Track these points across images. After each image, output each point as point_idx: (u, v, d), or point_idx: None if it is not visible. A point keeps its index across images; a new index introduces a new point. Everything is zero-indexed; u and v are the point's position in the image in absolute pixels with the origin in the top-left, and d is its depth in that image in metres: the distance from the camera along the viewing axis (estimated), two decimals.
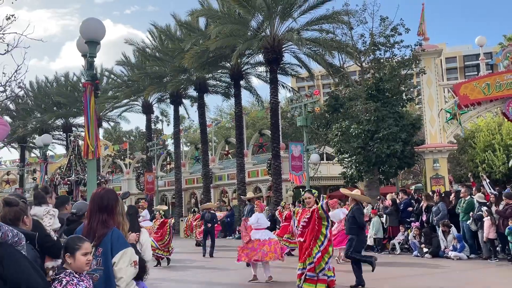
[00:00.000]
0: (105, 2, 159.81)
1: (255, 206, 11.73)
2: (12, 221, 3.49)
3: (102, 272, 3.64)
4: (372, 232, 16.41)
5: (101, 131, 46.99)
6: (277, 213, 18.20)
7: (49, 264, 3.57)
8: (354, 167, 21.53)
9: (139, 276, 4.54)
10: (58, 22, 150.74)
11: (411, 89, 25.63)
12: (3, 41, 11.90)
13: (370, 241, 16.57)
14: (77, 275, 3.36)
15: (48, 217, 4.45)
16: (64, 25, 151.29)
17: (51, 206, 4.99)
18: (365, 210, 18.44)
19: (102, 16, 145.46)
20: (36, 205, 4.84)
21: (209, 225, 17.30)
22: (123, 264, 3.66)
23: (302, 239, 8.56)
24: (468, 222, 13.86)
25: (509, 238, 12.20)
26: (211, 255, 16.90)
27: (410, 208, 16.06)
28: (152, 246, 14.25)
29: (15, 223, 3.51)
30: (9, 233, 3.11)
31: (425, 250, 14.51)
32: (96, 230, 3.73)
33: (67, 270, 3.36)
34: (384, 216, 16.56)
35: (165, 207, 18.89)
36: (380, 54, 22.20)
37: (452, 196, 15.38)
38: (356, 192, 11.02)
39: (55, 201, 5.55)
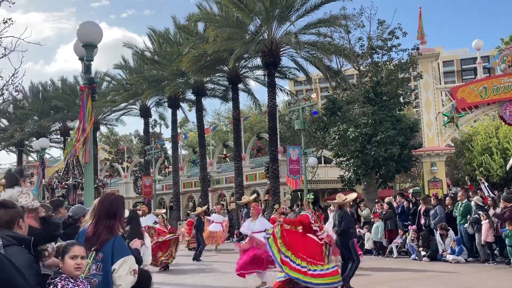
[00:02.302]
0: (101, 5, 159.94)
1: (251, 209, 11.67)
2: (7, 223, 3.41)
3: (101, 278, 3.62)
4: (374, 236, 16.35)
5: (98, 134, 46.92)
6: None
7: (48, 246, 3.52)
8: (352, 170, 21.54)
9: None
10: (54, 25, 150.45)
11: (409, 93, 25.71)
12: (1, 44, 11.88)
13: (369, 245, 16.56)
14: (72, 280, 3.32)
15: (23, 196, 4.39)
16: (60, 28, 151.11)
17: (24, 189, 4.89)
18: (363, 212, 18.49)
19: (98, 20, 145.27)
20: (9, 187, 4.67)
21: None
22: (123, 271, 3.65)
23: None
24: (466, 225, 13.86)
25: (506, 241, 12.19)
26: (194, 259, 16.93)
27: (406, 203, 16.08)
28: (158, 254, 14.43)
29: (10, 226, 3.43)
30: None
31: (423, 253, 14.48)
32: (100, 234, 3.74)
33: (63, 275, 3.33)
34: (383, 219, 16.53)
35: (163, 211, 18.90)
36: (377, 58, 22.28)
37: (448, 200, 15.34)
38: (350, 195, 10.49)
39: (28, 186, 5.46)
